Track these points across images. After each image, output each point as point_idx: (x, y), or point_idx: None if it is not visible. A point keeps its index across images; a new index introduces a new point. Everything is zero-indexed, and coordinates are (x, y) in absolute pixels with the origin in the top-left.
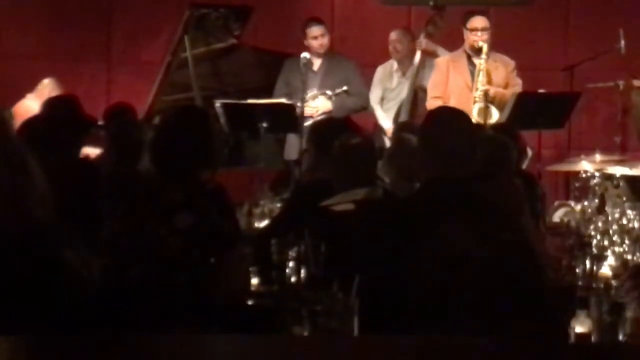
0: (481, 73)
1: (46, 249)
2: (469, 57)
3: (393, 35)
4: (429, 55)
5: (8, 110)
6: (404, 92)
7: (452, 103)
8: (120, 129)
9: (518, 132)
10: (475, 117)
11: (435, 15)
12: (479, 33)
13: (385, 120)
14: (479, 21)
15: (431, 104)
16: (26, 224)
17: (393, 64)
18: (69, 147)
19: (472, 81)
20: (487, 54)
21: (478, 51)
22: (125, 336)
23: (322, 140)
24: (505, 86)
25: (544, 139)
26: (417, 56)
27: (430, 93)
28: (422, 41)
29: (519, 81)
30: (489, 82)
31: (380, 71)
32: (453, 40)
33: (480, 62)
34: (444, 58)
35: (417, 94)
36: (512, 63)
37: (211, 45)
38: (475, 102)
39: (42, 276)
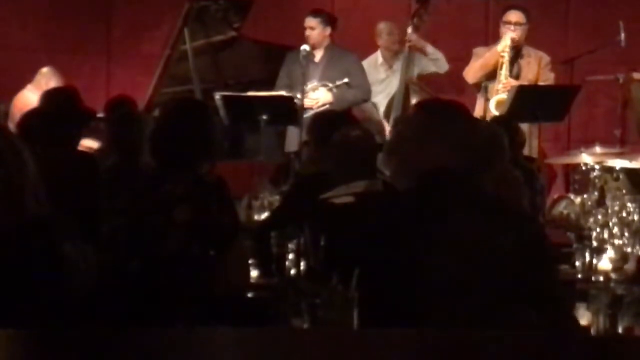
0: (504, 66)
1: (44, 243)
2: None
3: (382, 26)
4: (417, 51)
5: (3, 104)
6: (391, 85)
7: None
8: (120, 121)
9: (517, 125)
10: (494, 109)
11: (420, 8)
12: (512, 27)
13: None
14: (512, 15)
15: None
16: (21, 217)
17: (378, 57)
18: (68, 139)
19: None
20: (515, 48)
21: (513, 45)
22: (125, 330)
23: (321, 132)
24: (536, 81)
25: (543, 131)
26: (406, 49)
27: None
28: (412, 35)
29: (551, 76)
30: (512, 75)
31: (365, 64)
32: (440, 37)
33: (504, 54)
34: (481, 47)
35: (409, 87)
36: (546, 58)
37: (211, 38)
38: (495, 93)
39: (40, 270)
